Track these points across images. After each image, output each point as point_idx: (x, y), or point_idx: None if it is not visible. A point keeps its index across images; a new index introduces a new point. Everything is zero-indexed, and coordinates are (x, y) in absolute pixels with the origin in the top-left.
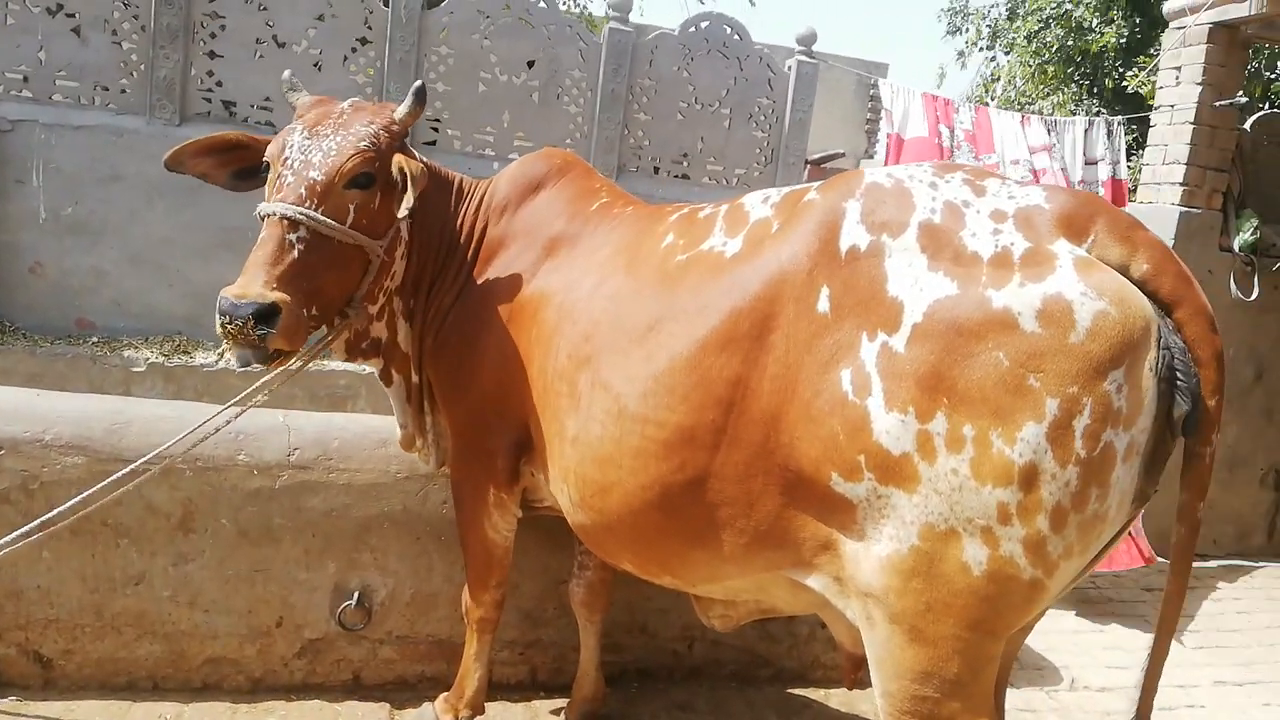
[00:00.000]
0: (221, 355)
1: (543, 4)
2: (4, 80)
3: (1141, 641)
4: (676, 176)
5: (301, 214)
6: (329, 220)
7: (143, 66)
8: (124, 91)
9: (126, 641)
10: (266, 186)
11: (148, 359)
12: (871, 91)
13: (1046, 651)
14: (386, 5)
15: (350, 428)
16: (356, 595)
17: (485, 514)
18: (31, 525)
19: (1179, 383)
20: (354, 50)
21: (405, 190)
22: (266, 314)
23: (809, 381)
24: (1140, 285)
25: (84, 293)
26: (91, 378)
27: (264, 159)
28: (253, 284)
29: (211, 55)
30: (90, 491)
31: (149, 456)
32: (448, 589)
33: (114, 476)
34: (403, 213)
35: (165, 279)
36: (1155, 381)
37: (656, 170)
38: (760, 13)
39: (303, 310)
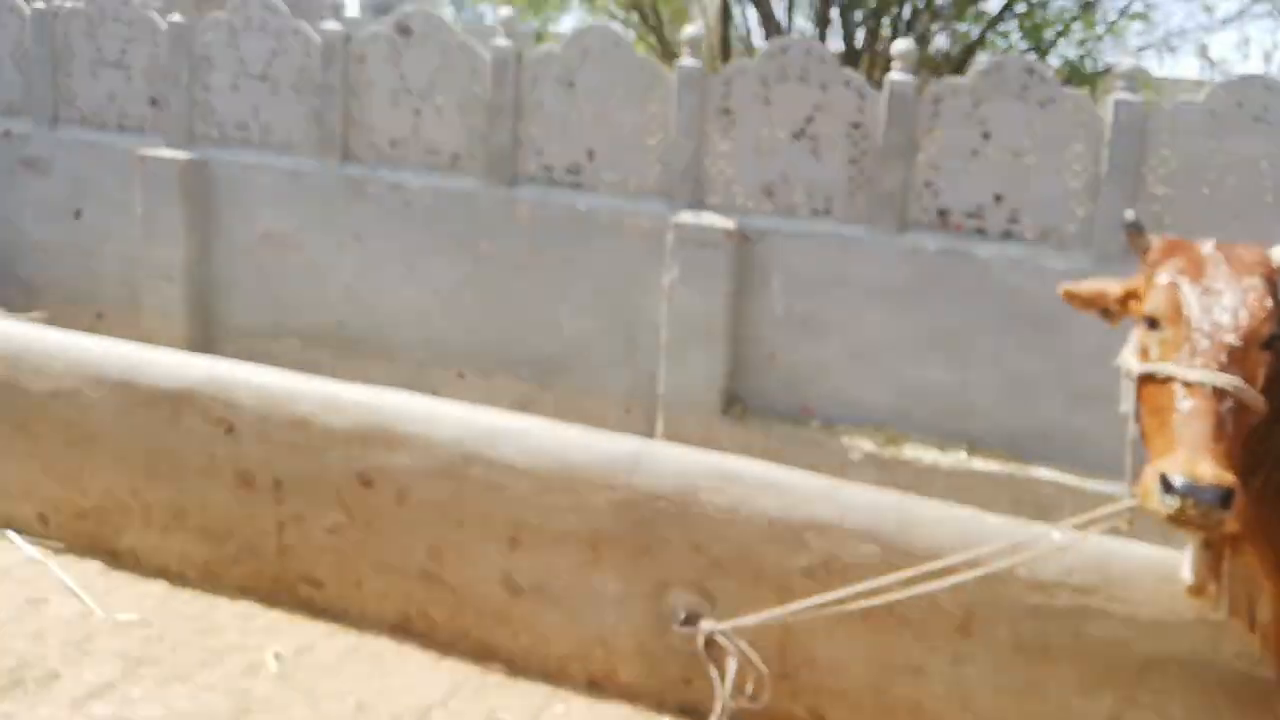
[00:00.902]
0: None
1: None
2: (754, 196)
3: None
4: None
5: (1233, 385)
6: (1254, 391)
7: (868, 182)
8: (850, 204)
9: None
10: (1153, 344)
11: (862, 449)
12: None
13: None
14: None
15: (1127, 555)
16: None
17: None
18: (827, 598)
19: None
20: (1075, 153)
21: None
22: (1226, 497)
23: None
24: None
25: (808, 382)
26: (814, 460)
27: (1148, 313)
28: (1203, 463)
29: (934, 167)
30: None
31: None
32: None
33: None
34: None
35: (879, 374)
36: None
37: None
38: None
39: None
